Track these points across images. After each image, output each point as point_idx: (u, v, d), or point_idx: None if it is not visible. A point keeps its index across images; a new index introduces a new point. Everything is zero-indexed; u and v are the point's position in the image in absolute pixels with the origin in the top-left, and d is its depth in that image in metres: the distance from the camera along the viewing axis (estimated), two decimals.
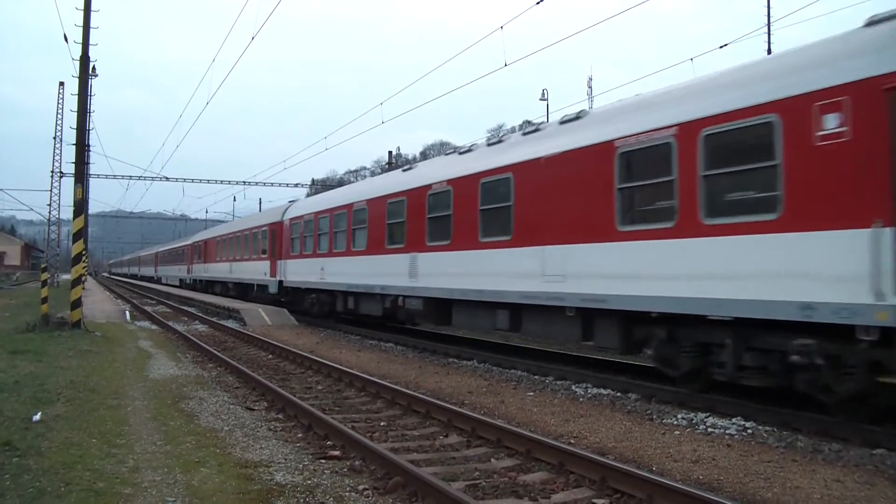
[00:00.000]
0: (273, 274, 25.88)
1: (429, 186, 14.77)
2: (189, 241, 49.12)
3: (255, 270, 28.63)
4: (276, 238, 25.78)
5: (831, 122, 7.15)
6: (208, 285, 40.17)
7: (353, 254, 18.51)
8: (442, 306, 14.57)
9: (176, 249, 55.38)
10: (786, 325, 7.64)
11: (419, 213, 15.02)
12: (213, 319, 23.83)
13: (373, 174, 79.55)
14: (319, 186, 63.78)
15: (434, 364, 13.61)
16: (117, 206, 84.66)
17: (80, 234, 18.29)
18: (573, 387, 10.78)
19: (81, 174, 18.93)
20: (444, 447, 7.44)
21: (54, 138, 49.18)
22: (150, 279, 70.87)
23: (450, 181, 13.99)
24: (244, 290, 31.22)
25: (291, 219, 24.40)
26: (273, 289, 25.82)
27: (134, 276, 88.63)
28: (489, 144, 13.68)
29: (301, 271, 22.90)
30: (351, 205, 18.93)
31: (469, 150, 14.64)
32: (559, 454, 6.51)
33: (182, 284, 49.96)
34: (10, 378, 9.91)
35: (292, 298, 24.76)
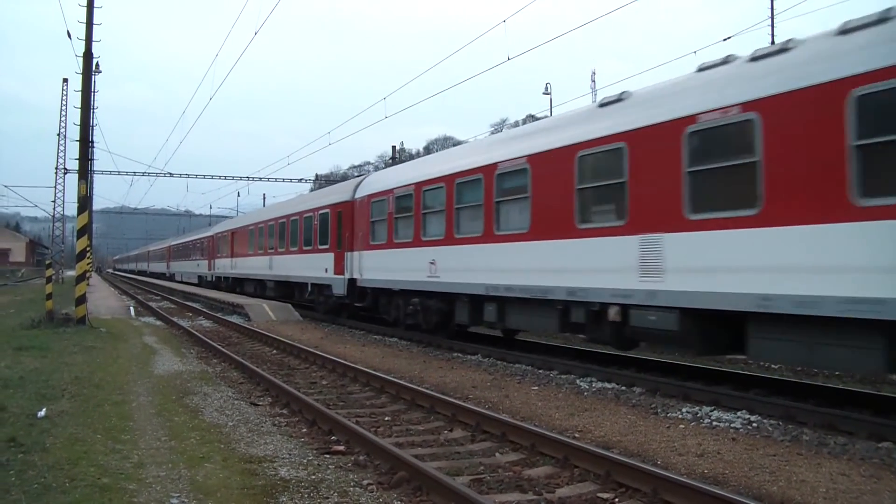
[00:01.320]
0: (339, 270, 19.85)
1: (688, 120, 8.85)
2: (210, 232, 41.84)
3: (309, 266, 22.61)
4: (344, 223, 19.80)
5: None
6: (236, 284, 33.88)
7: (498, 239, 12.60)
8: (720, 325, 8.75)
9: (193, 242, 48.02)
10: None
11: (664, 167, 9.20)
12: (218, 315, 23.85)
13: (376, 169, 79.24)
14: (323, 181, 63.76)
15: (438, 358, 13.60)
16: (121, 203, 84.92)
17: (84, 231, 18.34)
18: (578, 381, 10.76)
19: (85, 170, 18.93)
20: (448, 442, 7.44)
21: (58, 135, 49.36)
22: (160, 276, 64.70)
23: (749, 104, 8.08)
24: (289, 291, 25.84)
25: (371, 195, 18.08)
26: (339, 289, 19.82)
27: (142, 273, 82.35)
28: (840, 33, 7.60)
29: (390, 266, 16.81)
30: (492, 167, 12.83)
31: (784, 49, 8.20)
32: (564, 448, 6.50)
33: (202, 283, 43.38)
34: (15, 374, 9.95)
35: (373, 303, 18.45)
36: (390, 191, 17.00)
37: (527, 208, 11.84)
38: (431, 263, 14.72)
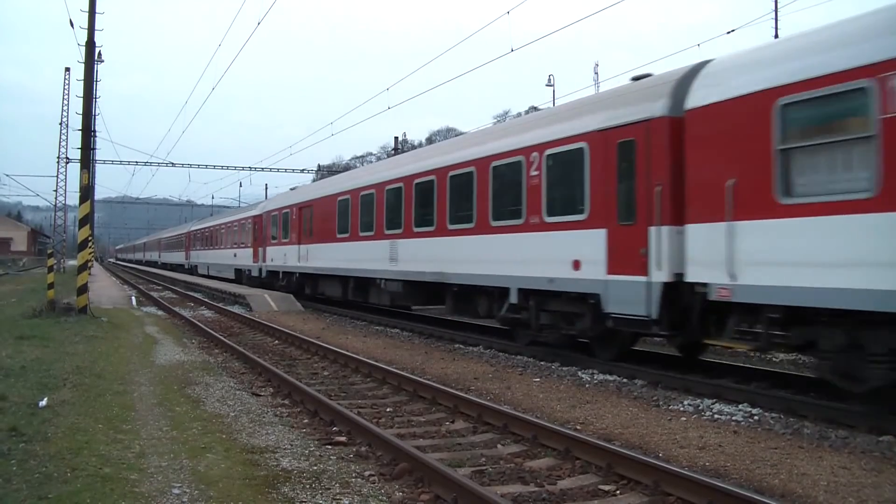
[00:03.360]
0: (627, 266, 9.70)
1: None
2: (257, 211, 30.83)
3: (509, 255, 12.28)
4: (646, 170, 9.49)
5: None
6: (306, 282, 24.17)
7: None
8: None
9: (228, 225, 36.77)
10: None
11: None
12: (220, 305, 23.87)
13: (378, 159, 79.12)
14: (325, 172, 63.66)
15: (440, 350, 13.61)
16: (123, 192, 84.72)
17: (86, 220, 18.32)
18: (579, 373, 10.75)
19: (87, 160, 18.89)
20: (450, 433, 7.45)
21: (60, 124, 49.22)
22: (177, 268, 55.75)
23: None
24: (430, 297, 16.15)
25: (774, 91, 7.62)
26: (627, 305, 9.70)
27: (152, 264, 73.52)
28: None
29: None
30: None
31: None
32: (565, 440, 6.50)
33: (244, 279, 32.26)
34: (17, 363, 9.94)
35: (800, 342, 7.92)
36: None
37: None
38: None
